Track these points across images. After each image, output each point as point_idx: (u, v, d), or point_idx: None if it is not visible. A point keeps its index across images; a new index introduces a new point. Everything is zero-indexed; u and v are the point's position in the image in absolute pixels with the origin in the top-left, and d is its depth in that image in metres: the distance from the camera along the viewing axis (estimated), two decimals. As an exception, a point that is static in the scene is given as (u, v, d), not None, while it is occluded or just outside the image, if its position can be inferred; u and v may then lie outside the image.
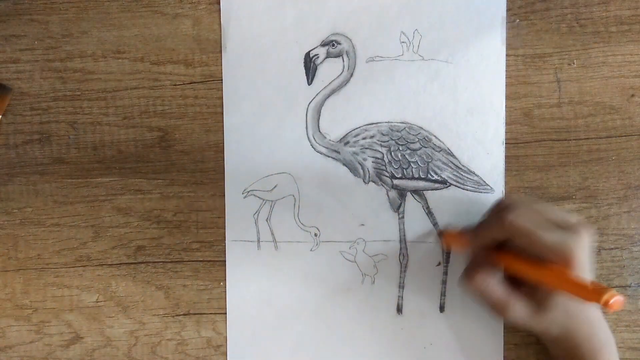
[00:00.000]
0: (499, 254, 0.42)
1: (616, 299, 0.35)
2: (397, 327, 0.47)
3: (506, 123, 0.47)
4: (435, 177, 0.47)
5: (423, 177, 0.47)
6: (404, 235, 0.47)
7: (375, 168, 0.47)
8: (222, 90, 0.47)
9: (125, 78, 0.47)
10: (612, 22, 0.47)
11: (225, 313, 0.48)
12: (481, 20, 0.47)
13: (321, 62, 0.47)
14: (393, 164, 0.47)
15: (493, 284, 0.42)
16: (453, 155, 0.47)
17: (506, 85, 0.47)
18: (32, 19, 0.47)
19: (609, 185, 0.47)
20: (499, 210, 0.41)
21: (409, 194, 0.47)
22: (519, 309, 0.41)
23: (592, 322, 0.42)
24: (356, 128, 0.47)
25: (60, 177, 0.48)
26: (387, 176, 0.47)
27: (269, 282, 0.47)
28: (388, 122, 0.47)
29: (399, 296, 0.47)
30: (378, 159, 0.47)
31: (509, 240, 0.41)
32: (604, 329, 0.42)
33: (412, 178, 0.47)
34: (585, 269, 0.39)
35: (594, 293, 0.36)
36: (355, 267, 0.47)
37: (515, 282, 0.42)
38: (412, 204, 0.47)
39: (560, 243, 0.38)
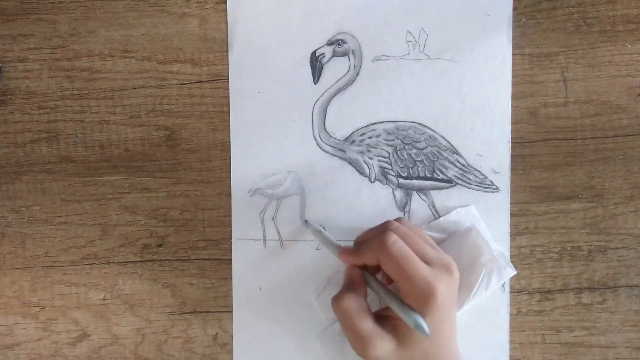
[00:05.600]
0: (368, 276, 0.40)
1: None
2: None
3: (512, 122, 0.47)
4: (441, 176, 0.47)
5: (429, 176, 0.47)
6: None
7: (381, 167, 0.47)
8: (228, 89, 0.47)
9: (132, 77, 0.47)
10: (619, 21, 0.47)
11: (232, 311, 0.48)
12: (487, 19, 0.47)
13: (327, 61, 0.47)
14: (399, 163, 0.47)
15: (358, 314, 0.38)
16: (459, 154, 0.47)
17: (512, 84, 0.47)
18: (40, 18, 0.47)
19: (616, 185, 0.47)
20: (380, 232, 0.40)
21: (414, 192, 0.47)
22: (381, 346, 0.38)
23: None
24: (362, 127, 0.47)
25: (68, 176, 0.48)
26: (392, 175, 0.47)
27: (274, 281, 0.48)
28: (394, 121, 0.47)
29: (404, 295, 0.47)
30: (384, 158, 0.47)
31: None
32: None
33: (418, 177, 0.47)
34: (446, 309, 0.38)
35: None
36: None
37: (380, 316, 0.40)
38: (418, 203, 0.47)
39: (426, 280, 0.37)
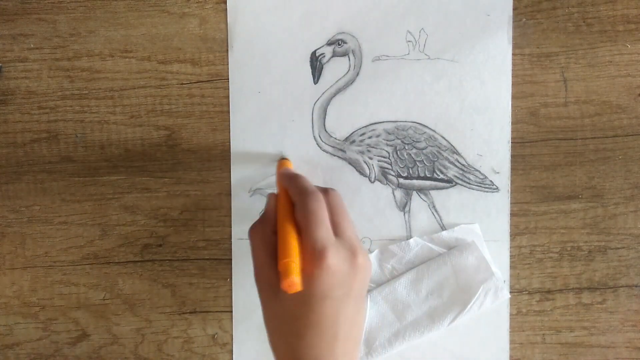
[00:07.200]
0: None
1: (290, 284, 0.34)
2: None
3: (512, 122, 0.47)
4: (441, 176, 0.47)
5: (429, 176, 0.47)
6: (410, 234, 0.47)
7: (381, 167, 0.47)
8: (228, 89, 0.47)
9: (132, 77, 0.47)
10: (619, 21, 0.47)
11: (232, 311, 0.48)
12: (487, 19, 0.47)
13: (327, 61, 0.47)
14: (399, 163, 0.47)
15: (259, 244, 0.38)
16: (459, 154, 0.47)
17: (512, 84, 0.47)
18: (40, 18, 0.47)
19: (616, 185, 0.47)
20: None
21: (414, 192, 0.47)
22: (266, 281, 0.37)
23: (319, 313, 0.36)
24: (362, 127, 0.47)
25: (68, 176, 0.48)
26: (393, 175, 0.47)
27: (274, 281, 0.48)
28: (394, 121, 0.47)
29: (404, 295, 0.47)
30: (384, 158, 0.47)
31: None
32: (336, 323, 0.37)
33: (418, 177, 0.47)
34: (335, 286, 0.35)
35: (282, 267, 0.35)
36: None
37: None
38: (418, 203, 0.47)
39: (322, 243, 0.35)
